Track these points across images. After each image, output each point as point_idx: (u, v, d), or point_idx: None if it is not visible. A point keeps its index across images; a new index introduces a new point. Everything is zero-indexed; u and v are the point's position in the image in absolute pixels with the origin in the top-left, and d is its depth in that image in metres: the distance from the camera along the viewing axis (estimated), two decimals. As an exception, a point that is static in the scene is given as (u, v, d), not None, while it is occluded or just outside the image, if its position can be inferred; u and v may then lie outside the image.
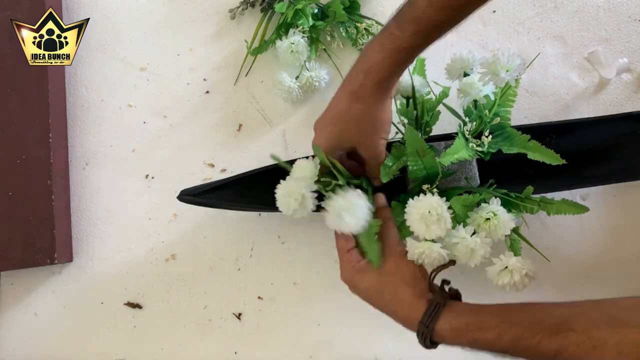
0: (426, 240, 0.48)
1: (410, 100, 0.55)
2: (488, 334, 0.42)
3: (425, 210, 0.47)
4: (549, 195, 0.64)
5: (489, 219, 0.49)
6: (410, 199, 0.49)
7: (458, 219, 0.50)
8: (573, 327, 0.40)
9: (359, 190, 0.50)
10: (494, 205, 0.49)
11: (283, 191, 0.51)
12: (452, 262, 0.48)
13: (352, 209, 0.47)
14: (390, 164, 0.52)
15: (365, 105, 0.49)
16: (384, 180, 0.52)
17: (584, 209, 0.49)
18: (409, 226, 0.49)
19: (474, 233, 0.48)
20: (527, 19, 0.68)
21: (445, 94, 0.55)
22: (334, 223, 0.48)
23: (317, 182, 0.51)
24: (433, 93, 0.57)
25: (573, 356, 0.39)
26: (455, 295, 0.47)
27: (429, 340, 0.45)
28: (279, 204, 0.51)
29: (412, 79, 0.55)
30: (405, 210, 0.49)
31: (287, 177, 0.53)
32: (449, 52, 0.68)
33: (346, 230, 0.48)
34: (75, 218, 0.70)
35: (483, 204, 0.50)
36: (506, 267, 0.47)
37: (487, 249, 0.48)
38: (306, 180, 0.51)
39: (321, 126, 0.53)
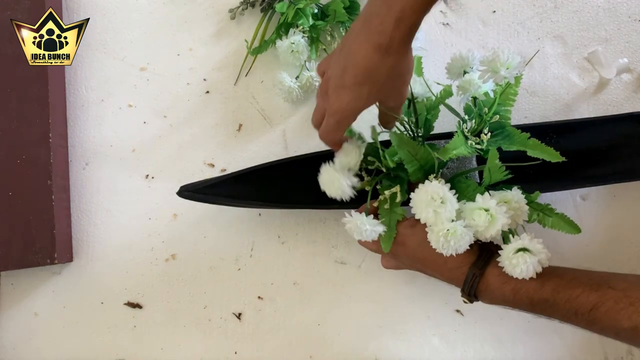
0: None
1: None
2: (531, 282, 0.45)
3: (429, 197, 0.47)
4: (549, 196, 0.64)
5: (506, 202, 0.48)
6: (412, 193, 0.49)
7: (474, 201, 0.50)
8: (613, 286, 0.43)
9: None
10: (516, 192, 0.49)
11: (326, 178, 0.52)
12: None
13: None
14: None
15: (397, 57, 0.44)
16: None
17: (578, 230, 0.49)
18: (419, 218, 0.49)
19: (498, 202, 0.47)
20: (527, 19, 0.68)
21: (448, 92, 0.55)
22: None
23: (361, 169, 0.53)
24: (433, 94, 0.57)
25: (610, 310, 0.41)
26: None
27: (475, 288, 0.48)
28: (324, 188, 0.53)
29: (410, 85, 0.55)
30: (411, 204, 0.50)
31: (332, 161, 0.53)
32: (449, 52, 0.68)
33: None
34: (75, 218, 0.70)
35: (505, 188, 0.50)
36: (524, 248, 0.46)
37: (508, 221, 0.46)
38: (350, 168, 0.52)
39: (343, 87, 0.46)
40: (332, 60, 0.48)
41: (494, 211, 0.46)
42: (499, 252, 0.48)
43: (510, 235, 0.48)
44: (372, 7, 0.43)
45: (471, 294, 0.48)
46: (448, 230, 0.46)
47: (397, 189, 0.53)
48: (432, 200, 0.47)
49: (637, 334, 0.40)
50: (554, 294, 0.44)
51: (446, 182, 0.52)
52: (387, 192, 0.54)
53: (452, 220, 0.47)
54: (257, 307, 0.67)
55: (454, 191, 0.48)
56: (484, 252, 0.49)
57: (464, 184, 0.51)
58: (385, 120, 0.53)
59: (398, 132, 0.53)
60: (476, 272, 0.48)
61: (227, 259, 0.68)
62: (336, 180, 0.51)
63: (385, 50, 0.42)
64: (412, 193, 0.50)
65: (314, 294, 0.66)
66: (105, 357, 0.68)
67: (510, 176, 0.49)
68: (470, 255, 0.49)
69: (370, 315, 0.65)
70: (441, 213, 0.47)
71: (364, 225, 0.51)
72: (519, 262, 0.45)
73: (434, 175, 0.52)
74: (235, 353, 0.66)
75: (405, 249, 0.53)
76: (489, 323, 0.64)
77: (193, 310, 0.67)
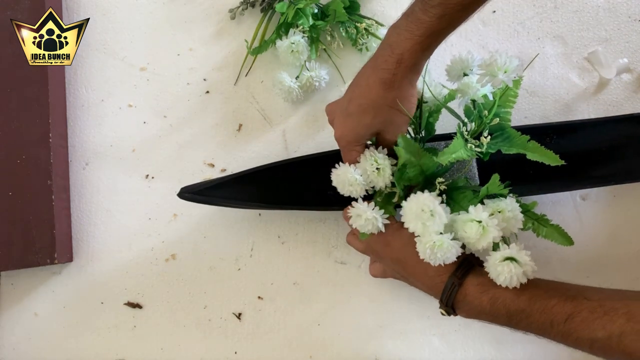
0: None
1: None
2: (508, 292, 0.46)
3: (419, 209, 0.47)
4: (549, 196, 0.64)
5: (500, 211, 0.48)
6: (404, 201, 0.50)
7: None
8: (588, 297, 0.43)
9: None
10: (511, 201, 0.49)
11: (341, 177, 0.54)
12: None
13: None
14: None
15: (399, 91, 0.49)
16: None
17: (570, 242, 0.49)
18: (407, 227, 0.49)
19: (491, 214, 0.47)
20: (527, 19, 0.68)
21: (452, 96, 0.55)
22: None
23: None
24: (438, 100, 0.57)
25: (585, 320, 0.42)
26: (480, 263, 0.51)
27: (453, 298, 0.48)
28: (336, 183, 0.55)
29: (424, 86, 0.56)
30: (401, 212, 0.50)
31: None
32: (450, 53, 0.68)
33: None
34: (75, 218, 0.70)
35: (500, 197, 0.50)
36: (511, 258, 0.46)
37: (500, 234, 0.47)
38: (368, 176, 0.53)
39: (348, 115, 0.52)
40: (341, 98, 0.55)
41: (485, 223, 0.47)
42: (487, 257, 0.48)
43: (501, 243, 0.48)
44: (380, 50, 0.50)
45: (449, 304, 0.49)
46: (435, 242, 0.47)
47: (397, 189, 0.53)
48: (422, 212, 0.47)
49: (611, 344, 0.40)
50: (530, 304, 0.45)
51: (443, 191, 0.52)
52: (387, 189, 0.54)
53: (440, 233, 0.47)
54: (257, 307, 0.67)
55: (444, 205, 0.49)
56: (464, 263, 0.50)
57: (461, 193, 0.51)
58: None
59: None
60: (455, 281, 0.48)
61: (227, 259, 0.68)
62: (353, 182, 0.53)
63: (389, 84, 0.49)
64: (403, 202, 0.50)
65: (314, 294, 0.66)
66: (105, 357, 0.68)
67: (507, 190, 0.49)
68: (450, 265, 0.49)
69: (370, 315, 0.65)
70: (430, 226, 0.47)
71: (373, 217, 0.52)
72: (503, 271, 0.46)
73: (440, 181, 0.52)
74: (235, 353, 0.66)
75: (389, 250, 0.53)
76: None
77: (193, 310, 0.67)
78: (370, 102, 0.50)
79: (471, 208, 0.48)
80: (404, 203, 0.50)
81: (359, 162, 0.54)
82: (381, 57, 0.49)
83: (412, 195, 0.49)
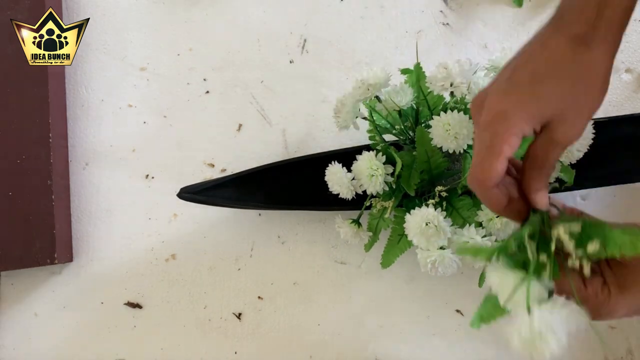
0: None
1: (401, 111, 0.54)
2: None
3: (423, 223, 0.47)
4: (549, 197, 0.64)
5: (492, 219, 0.49)
6: (407, 214, 0.50)
7: (469, 221, 0.50)
8: None
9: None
10: None
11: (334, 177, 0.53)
12: None
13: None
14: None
15: (597, 53, 0.33)
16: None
17: None
18: (411, 240, 0.49)
19: (484, 236, 0.48)
20: (527, 19, 0.68)
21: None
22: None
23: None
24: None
25: None
26: None
27: None
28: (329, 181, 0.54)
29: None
30: (404, 225, 0.50)
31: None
32: (449, 52, 0.68)
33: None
34: (75, 218, 0.70)
35: None
36: None
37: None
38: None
39: (510, 87, 0.34)
40: (493, 79, 0.37)
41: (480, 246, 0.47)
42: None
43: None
44: (565, 5, 0.34)
45: None
46: (435, 259, 0.48)
47: (389, 204, 0.53)
48: (426, 227, 0.47)
49: None
50: None
51: (443, 198, 0.52)
52: (378, 205, 0.54)
53: (442, 247, 0.48)
54: (257, 307, 0.67)
55: (449, 219, 0.49)
56: None
57: (460, 200, 0.51)
58: (529, 186, 0.36)
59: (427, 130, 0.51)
60: None
61: (227, 259, 0.68)
62: (344, 183, 0.52)
63: (583, 39, 0.32)
64: (407, 214, 0.50)
65: (314, 294, 0.66)
66: (105, 357, 0.68)
67: None
68: None
69: (370, 315, 0.65)
70: (434, 242, 0.47)
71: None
72: None
73: (439, 189, 0.52)
74: (235, 353, 0.66)
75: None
76: (489, 323, 0.64)
77: (193, 310, 0.67)
78: (549, 64, 0.33)
79: (466, 229, 0.48)
80: (407, 217, 0.49)
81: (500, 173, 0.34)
82: (570, 9, 0.33)
83: (416, 210, 0.49)
